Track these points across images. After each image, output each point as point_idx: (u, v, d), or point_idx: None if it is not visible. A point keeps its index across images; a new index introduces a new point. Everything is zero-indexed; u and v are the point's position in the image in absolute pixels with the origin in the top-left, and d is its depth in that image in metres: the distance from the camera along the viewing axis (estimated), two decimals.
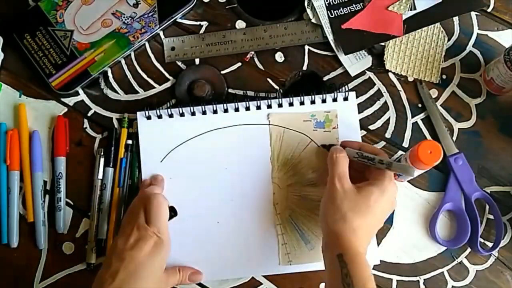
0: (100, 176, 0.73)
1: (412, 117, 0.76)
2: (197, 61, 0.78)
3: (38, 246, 0.72)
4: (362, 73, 0.77)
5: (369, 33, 0.77)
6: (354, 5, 0.78)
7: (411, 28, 0.76)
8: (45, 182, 0.74)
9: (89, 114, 0.76)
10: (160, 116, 0.74)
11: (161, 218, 0.65)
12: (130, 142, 0.74)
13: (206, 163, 0.73)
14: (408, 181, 0.74)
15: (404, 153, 0.73)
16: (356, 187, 0.65)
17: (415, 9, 0.77)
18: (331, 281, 0.62)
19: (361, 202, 0.64)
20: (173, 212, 0.69)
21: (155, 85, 0.77)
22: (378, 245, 0.72)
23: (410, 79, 0.77)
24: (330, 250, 0.63)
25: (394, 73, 0.77)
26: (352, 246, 0.62)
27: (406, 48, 0.77)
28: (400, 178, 0.72)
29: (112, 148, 0.74)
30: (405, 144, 0.75)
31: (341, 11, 0.78)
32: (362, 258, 0.62)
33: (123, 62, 0.78)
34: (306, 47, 0.78)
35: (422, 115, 0.76)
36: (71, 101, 0.77)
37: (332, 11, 0.77)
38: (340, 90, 0.75)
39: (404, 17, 0.77)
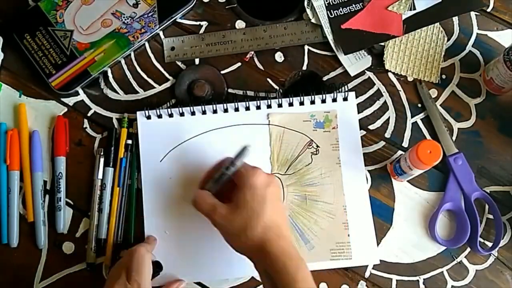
0: (100, 176, 0.73)
1: (412, 117, 0.76)
2: (197, 61, 0.78)
3: (38, 245, 0.72)
4: (362, 73, 0.77)
5: (368, 33, 0.77)
6: (353, 5, 0.78)
7: (411, 28, 0.76)
8: (45, 182, 0.74)
9: (89, 114, 0.76)
10: (160, 116, 0.74)
11: (142, 274, 0.62)
12: (130, 142, 0.74)
13: (206, 163, 0.73)
14: (408, 181, 0.74)
15: (403, 153, 0.74)
16: (229, 204, 0.63)
17: (414, 9, 0.77)
18: None
19: (244, 211, 0.61)
20: (158, 268, 0.68)
21: (155, 85, 0.77)
22: (377, 245, 0.72)
23: (410, 79, 0.77)
24: (259, 269, 0.62)
25: (393, 73, 0.77)
26: (272, 252, 0.59)
27: (406, 48, 0.77)
28: (399, 178, 0.72)
29: (112, 148, 0.74)
30: (405, 144, 0.75)
31: (340, 11, 0.78)
32: (290, 252, 0.60)
33: (123, 62, 0.78)
34: (306, 47, 0.78)
35: (421, 115, 0.76)
36: (71, 101, 0.77)
37: (331, 11, 0.78)
38: (340, 90, 0.75)
39: (404, 17, 0.77)
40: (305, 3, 0.78)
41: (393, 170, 0.72)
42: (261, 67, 0.78)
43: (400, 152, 0.75)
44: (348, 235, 0.72)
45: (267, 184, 0.63)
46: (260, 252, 0.60)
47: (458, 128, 0.76)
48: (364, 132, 0.76)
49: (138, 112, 0.74)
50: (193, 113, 0.74)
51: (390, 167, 0.74)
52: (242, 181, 0.63)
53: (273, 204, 0.62)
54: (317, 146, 0.74)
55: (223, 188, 0.65)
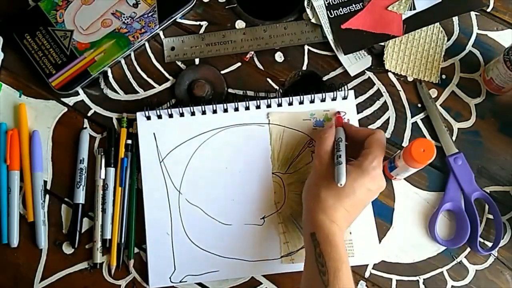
0: (103, 176, 0.73)
1: (412, 117, 0.76)
2: (197, 61, 0.78)
3: (38, 246, 0.72)
4: (362, 73, 0.77)
5: (368, 33, 0.77)
6: (353, 5, 0.78)
7: (411, 28, 0.76)
8: (45, 182, 0.74)
9: (89, 114, 0.76)
10: (160, 116, 0.74)
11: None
12: (130, 142, 0.74)
13: (206, 163, 0.74)
14: (408, 181, 0.74)
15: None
16: (354, 164, 0.65)
17: (414, 9, 0.77)
18: (307, 260, 0.63)
19: (363, 179, 0.63)
20: None
21: (155, 85, 0.77)
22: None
23: (410, 79, 0.77)
24: (305, 228, 0.64)
25: (393, 73, 0.77)
26: (325, 225, 0.61)
27: (406, 48, 0.77)
28: (396, 176, 0.72)
29: (112, 148, 0.74)
30: (405, 144, 0.75)
31: (340, 11, 0.78)
32: (336, 238, 0.61)
33: (123, 62, 0.78)
34: (306, 47, 0.78)
35: (421, 115, 0.76)
36: (71, 101, 0.77)
37: (331, 11, 0.78)
38: (340, 89, 0.75)
39: (404, 17, 0.77)
40: (305, 3, 0.78)
41: (387, 167, 0.72)
42: (261, 67, 0.78)
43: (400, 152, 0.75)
44: (350, 233, 0.72)
45: (373, 181, 0.65)
46: (316, 215, 0.63)
47: (458, 128, 0.76)
48: None
49: (138, 113, 0.74)
50: (193, 113, 0.74)
51: (384, 164, 0.74)
52: (360, 160, 0.65)
53: (361, 197, 0.64)
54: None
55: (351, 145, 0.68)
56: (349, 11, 0.78)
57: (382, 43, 0.77)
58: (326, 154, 0.66)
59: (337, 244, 0.61)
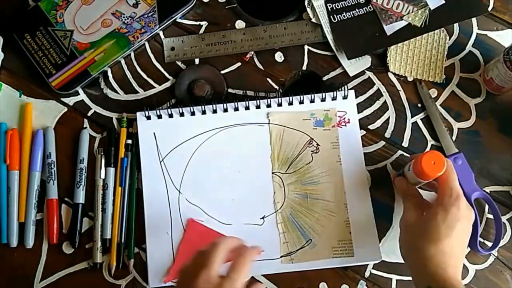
0: (103, 176, 0.73)
1: (412, 117, 0.76)
2: (197, 61, 0.78)
3: (26, 245, 0.72)
4: (362, 72, 0.77)
5: (371, 38, 0.76)
6: (357, 10, 0.77)
7: (412, 35, 0.76)
8: (43, 181, 0.74)
9: (89, 114, 0.76)
10: (160, 117, 0.74)
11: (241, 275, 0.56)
12: (130, 142, 0.74)
13: (206, 163, 0.74)
14: None
15: (402, 153, 0.74)
16: (430, 208, 0.64)
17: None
18: None
19: (429, 227, 0.62)
20: None
21: (155, 85, 0.77)
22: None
23: (410, 79, 0.77)
24: (418, 284, 0.62)
25: (394, 73, 0.77)
26: (437, 274, 0.60)
27: (409, 50, 0.77)
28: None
29: (112, 148, 0.74)
30: (405, 143, 0.75)
31: (344, 16, 0.77)
32: (453, 281, 0.59)
33: (123, 62, 0.78)
34: (306, 47, 0.78)
35: (421, 115, 0.76)
36: (71, 101, 0.77)
37: (334, 15, 0.77)
38: (340, 89, 0.75)
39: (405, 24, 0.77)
40: (306, 2, 0.78)
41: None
42: (261, 67, 0.78)
43: (400, 152, 0.75)
44: (350, 233, 0.72)
45: (462, 215, 0.63)
46: (424, 267, 0.61)
47: (458, 128, 0.76)
48: (364, 132, 0.76)
49: (138, 113, 0.74)
50: (193, 113, 0.74)
51: (393, 174, 0.74)
52: (439, 198, 0.64)
53: (459, 236, 0.63)
54: (317, 144, 0.74)
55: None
56: (352, 15, 0.77)
57: None
58: (415, 205, 0.66)
59: (457, 285, 0.59)
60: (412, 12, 0.76)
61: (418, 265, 0.63)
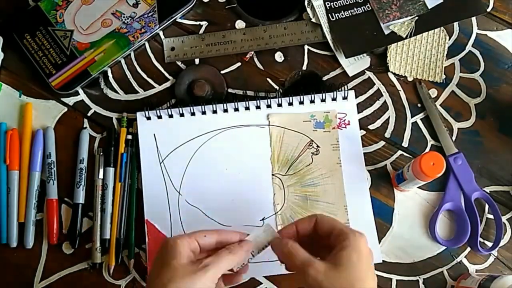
0: (101, 176, 0.73)
1: (412, 117, 0.76)
2: (197, 61, 0.78)
3: (25, 246, 0.72)
4: (362, 72, 0.77)
5: (369, 37, 0.76)
6: (355, 9, 0.77)
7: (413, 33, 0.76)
8: (43, 181, 0.74)
9: (89, 114, 0.76)
10: (160, 117, 0.74)
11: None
12: (130, 137, 0.74)
13: (206, 164, 0.73)
14: None
15: (402, 153, 0.74)
16: (328, 261, 0.56)
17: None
18: None
19: (347, 274, 0.55)
20: None
21: (155, 85, 0.77)
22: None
23: (410, 78, 0.77)
24: None
25: (394, 73, 0.77)
26: None
27: (409, 50, 0.77)
28: (404, 188, 0.72)
29: (112, 148, 0.74)
30: (405, 143, 0.75)
31: (342, 14, 0.77)
32: None
33: (123, 62, 0.78)
34: (306, 47, 0.78)
35: (421, 115, 0.76)
36: (71, 101, 0.77)
37: (333, 14, 0.77)
38: (340, 89, 0.75)
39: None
40: (306, 2, 0.78)
41: (395, 180, 0.72)
42: (261, 67, 0.78)
43: (400, 152, 0.75)
44: None
45: (370, 253, 0.59)
46: None
47: (458, 128, 0.76)
48: (364, 132, 0.76)
49: (138, 113, 0.74)
50: (193, 114, 0.74)
51: (392, 174, 0.74)
52: (347, 242, 0.57)
53: (373, 273, 0.58)
54: (317, 146, 0.74)
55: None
56: (350, 14, 0.77)
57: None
58: (310, 259, 0.57)
59: None
60: (399, 23, 0.76)
61: None
